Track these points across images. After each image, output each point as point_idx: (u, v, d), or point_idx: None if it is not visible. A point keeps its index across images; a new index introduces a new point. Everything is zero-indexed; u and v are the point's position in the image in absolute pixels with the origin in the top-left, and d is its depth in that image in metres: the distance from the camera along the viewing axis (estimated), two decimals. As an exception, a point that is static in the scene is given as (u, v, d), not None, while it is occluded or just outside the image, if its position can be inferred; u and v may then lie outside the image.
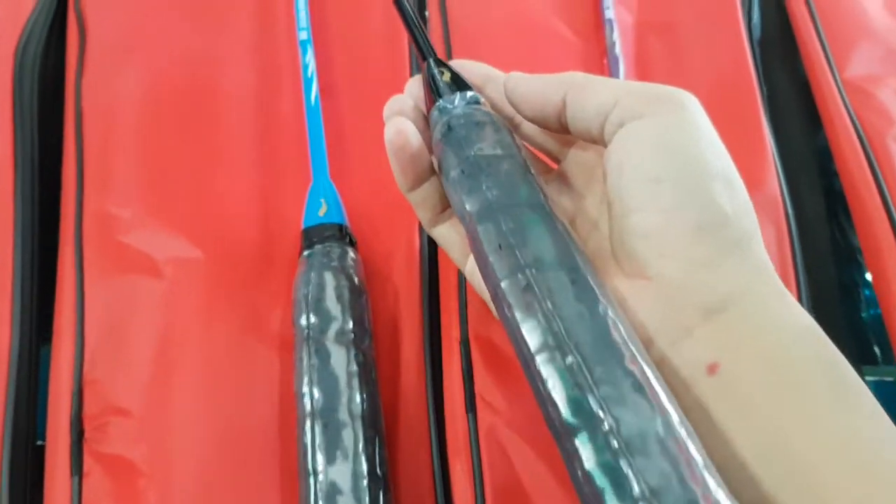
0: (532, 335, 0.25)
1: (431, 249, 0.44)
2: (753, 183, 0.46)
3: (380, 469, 0.34)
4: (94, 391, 0.39)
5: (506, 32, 0.52)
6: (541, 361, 0.25)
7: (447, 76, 0.34)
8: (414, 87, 0.36)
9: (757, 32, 0.55)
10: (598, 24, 0.53)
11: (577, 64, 0.52)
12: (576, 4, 0.54)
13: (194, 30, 0.51)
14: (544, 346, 0.25)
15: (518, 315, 0.26)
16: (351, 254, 0.40)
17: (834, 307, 0.50)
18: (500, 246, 0.28)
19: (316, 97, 0.47)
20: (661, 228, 0.28)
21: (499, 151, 0.30)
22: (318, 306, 0.38)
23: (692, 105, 0.31)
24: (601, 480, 0.22)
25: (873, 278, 0.48)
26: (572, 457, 0.23)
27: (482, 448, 0.37)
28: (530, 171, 0.30)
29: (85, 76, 0.50)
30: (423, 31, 0.36)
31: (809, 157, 0.53)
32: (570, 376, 0.24)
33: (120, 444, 0.38)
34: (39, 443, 0.40)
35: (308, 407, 0.35)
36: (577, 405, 0.23)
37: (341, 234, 0.41)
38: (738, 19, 0.53)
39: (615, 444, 0.22)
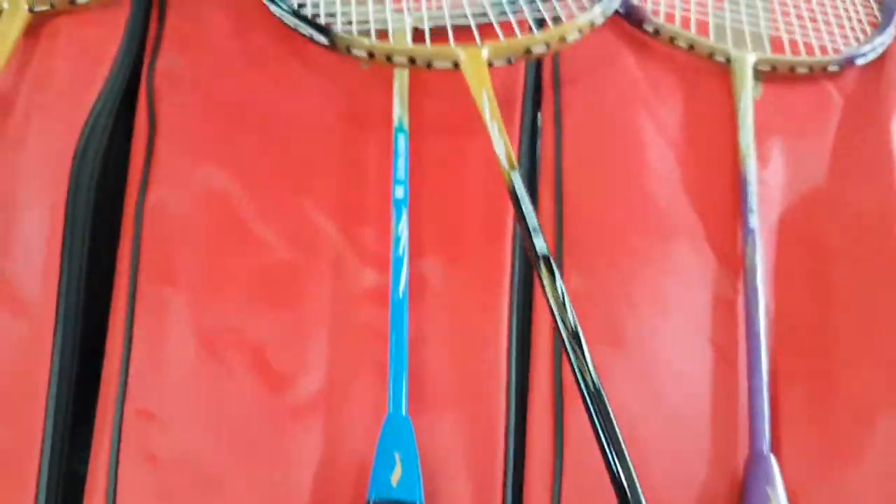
0: None
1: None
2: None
3: None
4: None
5: (628, 226, 0.47)
6: None
7: None
8: None
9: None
10: (737, 230, 0.47)
11: (708, 285, 0.46)
12: (713, 199, 0.48)
13: (274, 166, 0.46)
14: None
15: None
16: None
17: None
18: None
19: (404, 291, 0.42)
20: None
21: None
22: None
23: None
24: None
25: None
26: None
27: None
28: None
29: (148, 201, 0.45)
30: None
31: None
32: None
33: None
34: None
35: None
36: None
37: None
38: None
39: None
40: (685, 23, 0.56)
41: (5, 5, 0.50)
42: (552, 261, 0.38)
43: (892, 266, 0.46)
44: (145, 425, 0.39)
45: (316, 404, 0.40)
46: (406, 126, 0.47)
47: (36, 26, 0.51)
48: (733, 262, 0.46)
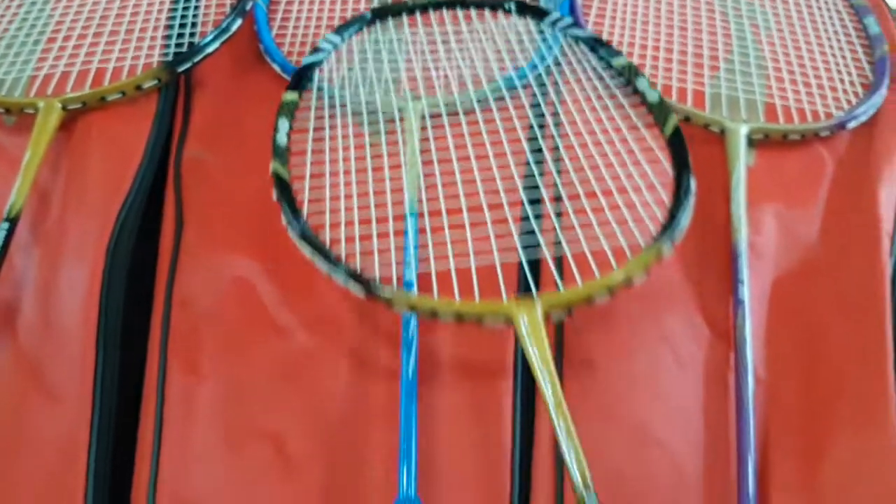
0: None
1: None
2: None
3: None
4: None
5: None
6: None
7: None
8: None
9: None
10: (728, 301, 0.52)
11: (700, 356, 0.50)
12: (704, 269, 0.53)
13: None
14: None
15: None
16: None
17: None
18: None
19: (414, 371, 0.47)
20: None
21: None
22: None
23: None
24: None
25: None
26: None
27: None
28: None
29: (176, 291, 0.50)
30: None
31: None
32: None
33: None
34: None
35: None
36: None
37: None
38: (884, 321, 0.51)
39: None
40: (682, 95, 0.61)
41: (41, 104, 0.56)
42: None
43: (879, 336, 0.50)
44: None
45: (330, 488, 0.45)
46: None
47: (69, 122, 0.56)
48: (725, 333, 0.51)
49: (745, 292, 0.51)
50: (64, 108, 0.56)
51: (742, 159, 0.57)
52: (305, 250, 0.45)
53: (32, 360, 0.48)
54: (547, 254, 0.47)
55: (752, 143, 0.58)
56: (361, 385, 0.48)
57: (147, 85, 0.57)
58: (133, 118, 0.57)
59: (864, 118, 0.60)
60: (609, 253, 0.45)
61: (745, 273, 0.52)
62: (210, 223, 0.52)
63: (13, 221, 0.51)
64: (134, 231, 0.52)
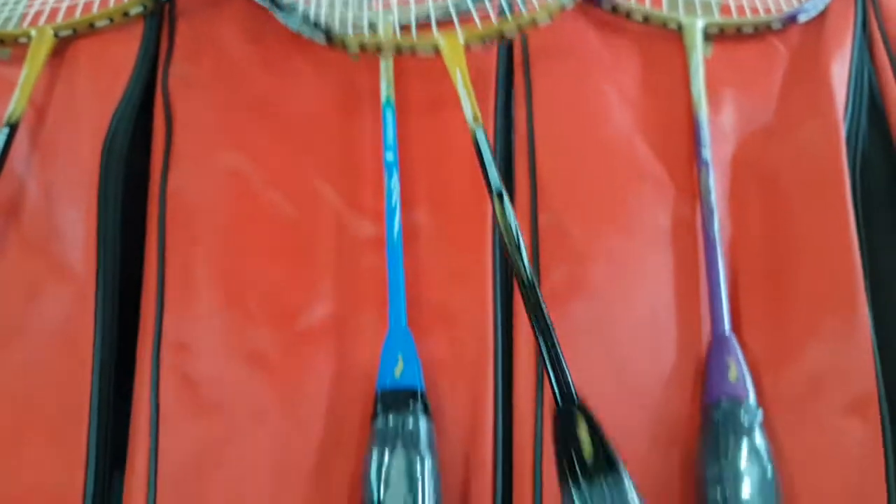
0: None
1: (505, 416, 0.46)
2: (845, 375, 0.48)
3: None
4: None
5: (595, 172, 0.54)
6: None
7: None
8: None
9: (860, 181, 0.56)
10: (693, 163, 0.55)
11: (668, 209, 0.53)
12: (670, 143, 0.56)
13: (279, 145, 0.54)
14: None
15: None
16: (423, 424, 0.43)
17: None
18: None
19: (399, 232, 0.50)
20: None
21: None
22: (388, 483, 0.40)
23: None
24: None
25: None
26: None
27: None
28: None
29: (170, 182, 0.53)
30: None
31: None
32: None
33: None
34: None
35: None
36: None
37: (415, 402, 0.43)
38: (841, 163, 0.54)
39: None
40: (639, -3, 0.65)
41: (33, 32, 0.60)
42: (504, 194, 0.46)
43: (838, 188, 0.54)
44: (180, 354, 0.47)
45: (326, 329, 0.48)
46: (393, 102, 0.55)
47: (61, 50, 0.60)
48: (690, 190, 0.54)
49: (708, 154, 0.54)
50: (55, 35, 0.60)
51: (699, 49, 0.60)
52: (279, 16, 0.56)
53: (37, 247, 0.50)
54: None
55: (708, 37, 0.62)
56: (348, 250, 0.51)
57: (133, 11, 0.61)
58: (121, 41, 0.60)
59: (814, 12, 0.64)
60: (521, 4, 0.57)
61: (706, 138, 0.55)
62: (197, 125, 0.55)
63: (13, 126, 0.54)
64: (127, 134, 0.55)
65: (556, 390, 0.39)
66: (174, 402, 0.46)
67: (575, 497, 0.35)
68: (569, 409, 0.39)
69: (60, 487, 0.44)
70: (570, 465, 0.36)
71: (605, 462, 0.36)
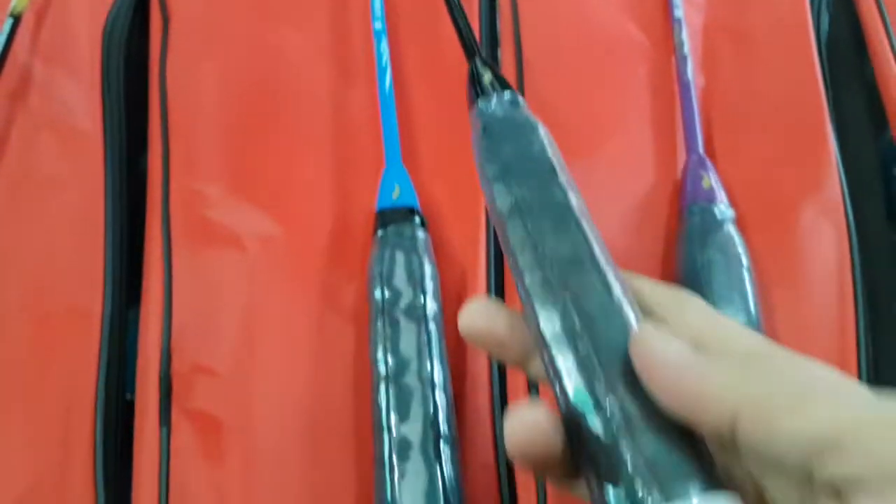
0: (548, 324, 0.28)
1: (498, 248, 0.49)
2: (814, 186, 0.51)
3: (448, 429, 0.40)
4: (182, 352, 0.45)
5: (575, 34, 0.57)
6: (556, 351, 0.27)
7: (488, 77, 0.36)
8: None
9: (825, 34, 0.59)
10: (667, 23, 0.58)
11: (645, 64, 0.57)
12: (645, 3, 0.59)
13: (273, 19, 0.57)
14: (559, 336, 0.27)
15: (537, 305, 0.28)
16: (421, 234, 0.46)
17: (892, 310, 0.54)
18: (524, 243, 0.30)
19: (390, 85, 0.53)
20: None
21: (532, 153, 0.32)
22: (391, 282, 0.43)
23: None
24: None
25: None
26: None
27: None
28: (557, 174, 0.32)
29: (169, 60, 0.56)
30: (470, 30, 0.39)
31: (872, 161, 0.57)
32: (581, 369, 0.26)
33: (206, 402, 0.44)
34: (129, 397, 0.46)
35: (383, 371, 0.41)
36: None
37: (412, 216, 0.46)
38: (807, 21, 0.58)
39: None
40: None
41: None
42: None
43: (802, 33, 0.57)
44: (189, 199, 0.50)
45: (328, 179, 0.51)
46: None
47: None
48: (666, 46, 0.57)
49: (681, 13, 0.58)
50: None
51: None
52: None
53: (46, 120, 0.53)
54: None
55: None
56: (343, 94, 0.54)
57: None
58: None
59: None
60: None
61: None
62: (192, 25, 0.57)
63: (17, 18, 0.56)
64: (125, 29, 0.58)
65: None
66: (185, 231, 0.48)
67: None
68: None
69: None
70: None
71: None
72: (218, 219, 0.49)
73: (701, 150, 0.51)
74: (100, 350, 0.45)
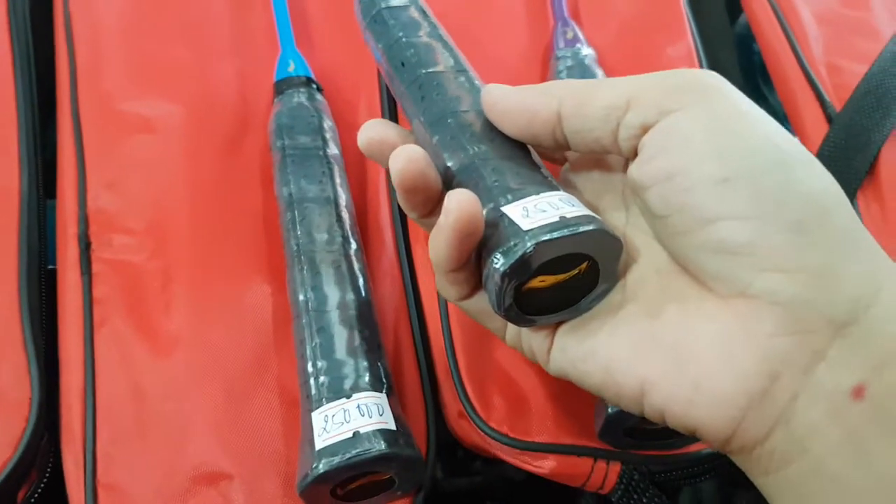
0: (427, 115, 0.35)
1: (391, 103, 0.54)
2: (674, 61, 0.57)
3: (352, 235, 0.45)
4: (100, 217, 0.48)
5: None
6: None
7: None
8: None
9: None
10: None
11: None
12: None
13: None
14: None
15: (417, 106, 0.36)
16: (318, 97, 0.51)
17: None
18: (402, 62, 0.37)
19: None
20: (752, 238, 0.25)
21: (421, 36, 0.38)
22: (292, 132, 0.48)
23: (728, 87, 0.28)
24: None
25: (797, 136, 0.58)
26: None
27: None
28: (447, 45, 0.38)
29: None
30: None
31: (728, 36, 0.65)
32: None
33: (124, 252, 0.47)
34: (51, 267, 0.49)
35: (288, 198, 0.45)
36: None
37: (309, 83, 0.51)
38: None
39: None
40: None
41: None
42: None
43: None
44: (98, 99, 0.53)
45: (225, 56, 0.56)
46: None
47: None
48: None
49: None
50: None
51: None
52: None
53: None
54: None
55: None
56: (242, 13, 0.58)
57: None
58: None
59: None
60: None
61: None
62: None
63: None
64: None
65: None
66: (94, 120, 0.52)
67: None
68: None
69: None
70: None
71: None
72: (125, 108, 0.52)
73: (566, 14, 0.57)
74: (19, 225, 0.48)
